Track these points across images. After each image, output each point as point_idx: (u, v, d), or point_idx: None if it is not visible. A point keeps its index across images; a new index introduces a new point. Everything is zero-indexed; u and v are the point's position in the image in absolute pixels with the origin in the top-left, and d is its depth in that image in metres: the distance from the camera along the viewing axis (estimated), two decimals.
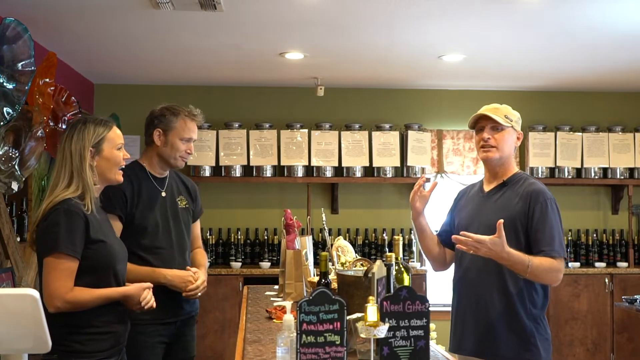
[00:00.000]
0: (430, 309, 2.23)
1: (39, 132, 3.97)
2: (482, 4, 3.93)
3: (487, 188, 2.91)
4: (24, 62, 3.60)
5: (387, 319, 2.14)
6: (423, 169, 6.25)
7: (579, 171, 6.36)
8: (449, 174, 6.39)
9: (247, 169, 6.20)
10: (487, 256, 2.60)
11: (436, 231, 3.06)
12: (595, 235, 6.42)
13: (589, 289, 6.09)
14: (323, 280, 2.49)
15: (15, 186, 3.83)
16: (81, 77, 5.93)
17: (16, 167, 3.80)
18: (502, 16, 4.16)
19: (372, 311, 2.06)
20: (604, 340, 6.06)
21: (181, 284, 3.07)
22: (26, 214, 4.38)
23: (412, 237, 6.28)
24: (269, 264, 6.09)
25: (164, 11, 3.97)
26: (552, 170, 6.34)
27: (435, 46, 4.92)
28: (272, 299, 3.55)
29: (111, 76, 6.09)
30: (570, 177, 6.34)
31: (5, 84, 3.47)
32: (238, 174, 6.16)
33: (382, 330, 2.07)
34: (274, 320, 2.99)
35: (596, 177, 6.38)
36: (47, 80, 4.04)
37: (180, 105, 3.23)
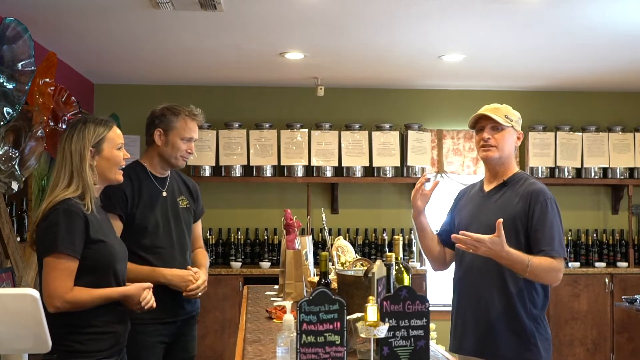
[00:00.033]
0: (430, 309, 2.23)
1: (39, 132, 3.97)
2: (482, 4, 3.93)
3: (487, 188, 2.91)
4: (24, 62, 3.60)
5: (387, 319, 2.14)
6: (423, 169, 6.26)
7: (579, 171, 6.36)
8: (449, 174, 6.39)
9: (247, 169, 6.20)
10: (487, 255, 2.60)
11: (436, 231, 3.05)
12: (595, 235, 6.42)
13: (589, 289, 6.09)
14: (323, 280, 2.49)
15: (15, 186, 3.83)
16: (81, 77, 5.93)
17: (16, 167, 3.80)
18: (502, 16, 4.16)
19: (372, 311, 2.06)
20: (604, 340, 6.06)
21: (181, 283, 3.07)
22: (26, 214, 4.38)
23: (412, 237, 6.28)
24: (269, 264, 6.09)
25: (164, 11, 3.97)
26: (552, 170, 6.35)
27: (435, 46, 4.92)
28: (272, 299, 3.55)
29: (111, 76, 6.09)
30: (570, 177, 6.34)
31: (5, 84, 3.47)
32: (238, 174, 6.16)
33: (382, 330, 2.07)
34: (274, 320, 3.00)
35: (596, 177, 6.38)
36: (47, 80, 4.04)
37: (181, 105, 3.23)
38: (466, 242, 2.60)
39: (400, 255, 2.69)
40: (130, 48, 5.02)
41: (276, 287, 3.86)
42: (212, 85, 6.38)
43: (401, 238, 2.89)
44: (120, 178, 2.61)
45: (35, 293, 2.23)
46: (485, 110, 2.87)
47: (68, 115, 4.52)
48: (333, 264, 3.16)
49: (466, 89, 6.50)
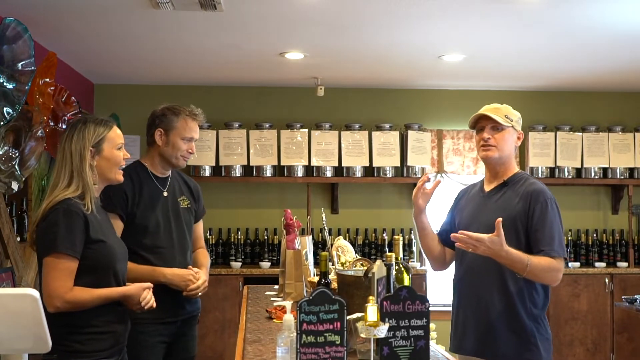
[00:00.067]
0: (430, 309, 2.23)
1: (39, 132, 3.97)
2: (482, 4, 3.93)
3: (487, 188, 2.91)
4: (24, 62, 3.60)
5: (387, 319, 2.14)
6: (423, 169, 6.26)
7: (579, 171, 6.36)
8: (449, 174, 6.39)
9: (247, 169, 6.20)
10: (486, 254, 2.61)
11: (436, 231, 3.05)
12: (595, 235, 6.42)
13: (589, 289, 6.09)
14: (323, 280, 2.49)
15: (15, 186, 3.83)
16: (81, 77, 5.93)
17: (16, 167, 3.80)
18: (502, 16, 4.16)
19: (372, 311, 2.06)
20: (604, 340, 6.06)
21: (181, 283, 3.07)
22: (26, 214, 4.38)
23: (412, 237, 6.28)
24: (269, 264, 6.09)
25: (164, 11, 3.97)
26: (552, 170, 6.35)
27: (435, 46, 4.92)
28: (272, 299, 3.55)
29: (111, 76, 6.09)
30: (570, 177, 6.34)
31: (5, 84, 3.47)
32: (238, 174, 6.17)
33: (382, 330, 2.07)
34: (274, 320, 3.00)
35: (596, 177, 6.38)
36: (47, 80, 4.04)
37: (181, 105, 3.23)
38: (465, 241, 2.60)
39: (400, 255, 2.69)
40: (130, 48, 5.02)
41: (276, 287, 3.86)
42: (212, 85, 6.38)
43: (401, 238, 2.89)
44: (121, 178, 2.62)
45: (35, 293, 2.23)
46: (486, 110, 2.87)
47: (68, 115, 4.52)
48: (333, 264, 3.16)
49: (466, 89, 6.50)
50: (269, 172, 6.18)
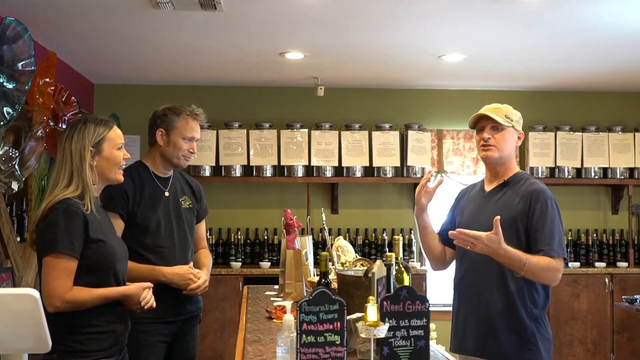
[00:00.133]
0: (430, 309, 2.23)
1: (39, 132, 3.97)
2: (482, 4, 3.93)
3: (488, 188, 2.91)
4: (24, 62, 3.60)
5: (387, 319, 2.14)
6: (423, 169, 6.25)
7: (579, 171, 6.36)
8: (449, 174, 6.39)
9: (247, 169, 6.20)
10: (484, 252, 2.61)
11: (437, 230, 3.05)
12: (595, 235, 6.42)
13: (589, 289, 6.09)
14: (323, 280, 2.49)
15: (15, 186, 3.83)
16: (81, 77, 5.93)
17: (16, 167, 3.80)
18: (502, 16, 4.16)
19: (372, 311, 2.06)
20: (604, 340, 6.06)
21: (181, 282, 3.08)
22: (26, 214, 4.38)
23: (412, 237, 6.28)
24: (269, 264, 6.09)
25: (164, 11, 3.97)
26: (552, 170, 6.35)
27: (435, 46, 4.92)
28: (272, 299, 3.55)
29: (111, 76, 6.09)
30: (570, 177, 6.34)
31: (5, 83, 3.47)
32: (238, 174, 6.17)
33: (382, 330, 2.07)
34: (274, 320, 2.99)
35: (596, 177, 6.38)
36: (47, 80, 4.04)
37: (183, 105, 3.24)
38: (463, 239, 2.60)
39: (400, 255, 2.69)
40: (130, 48, 5.02)
41: (276, 287, 3.86)
42: (212, 85, 6.38)
43: (401, 238, 2.88)
44: (121, 178, 2.62)
45: (35, 293, 2.23)
46: (486, 110, 2.87)
47: (68, 115, 4.52)
48: (333, 264, 3.16)
49: (466, 89, 6.50)
50: (269, 172, 6.18)
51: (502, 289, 2.74)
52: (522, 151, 6.33)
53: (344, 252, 3.30)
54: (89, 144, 2.50)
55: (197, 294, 3.14)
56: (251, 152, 6.15)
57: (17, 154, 3.80)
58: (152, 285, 2.60)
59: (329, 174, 6.21)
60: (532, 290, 2.74)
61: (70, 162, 2.49)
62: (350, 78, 6.07)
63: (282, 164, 6.17)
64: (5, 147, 3.73)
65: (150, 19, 4.20)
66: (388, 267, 2.45)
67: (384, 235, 6.30)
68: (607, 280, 6.09)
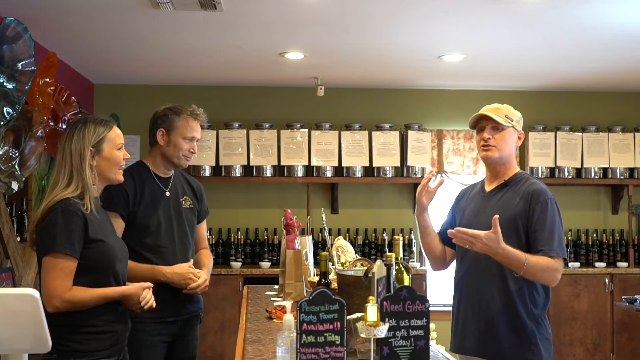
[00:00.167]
0: (430, 309, 2.23)
1: (39, 132, 3.97)
2: (482, 4, 3.93)
3: (488, 188, 2.91)
4: (24, 62, 3.60)
5: (387, 319, 2.14)
6: (423, 169, 6.25)
7: (579, 171, 6.36)
8: (449, 174, 6.39)
9: (247, 169, 6.20)
10: (483, 251, 2.60)
11: (437, 230, 3.05)
12: (595, 235, 6.42)
13: (589, 289, 6.09)
14: (323, 280, 2.49)
15: (15, 186, 3.83)
16: (81, 77, 5.93)
17: (16, 167, 3.80)
18: (502, 16, 4.16)
19: (372, 311, 2.06)
20: (604, 340, 6.06)
21: (181, 281, 3.08)
22: (26, 214, 4.38)
23: (412, 237, 6.28)
24: (269, 264, 6.09)
25: (164, 11, 3.97)
26: (552, 170, 6.35)
27: (435, 46, 4.92)
28: (272, 298, 3.55)
29: (111, 76, 6.09)
30: (570, 177, 6.34)
31: (5, 83, 3.47)
32: (238, 174, 6.17)
33: (382, 330, 2.07)
34: (274, 320, 2.99)
35: (596, 177, 6.38)
36: (47, 80, 4.04)
37: (183, 105, 3.24)
38: (462, 238, 2.60)
39: (400, 255, 2.69)
40: (130, 48, 5.02)
41: (276, 287, 3.86)
42: (212, 85, 6.38)
43: (401, 238, 2.88)
44: (121, 178, 2.62)
45: (35, 293, 2.23)
46: (486, 110, 2.86)
47: (68, 115, 4.52)
48: (333, 264, 3.16)
49: (466, 89, 6.50)
50: (269, 172, 6.18)
51: (502, 289, 2.74)
52: (522, 151, 6.33)
53: (344, 252, 3.30)
54: (89, 144, 2.50)
55: (197, 293, 3.14)
56: (251, 152, 6.15)
57: (17, 154, 3.80)
58: (152, 285, 2.60)
59: (329, 174, 6.21)
60: (532, 290, 2.74)
61: (70, 162, 2.49)
62: (350, 78, 6.07)
63: (282, 164, 6.17)
64: (5, 147, 3.73)
65: (150, 19, 4.20)
66: (388, 267, 2.45)
67: (384, 235, 6.30)
68: (607, 280, 6.09)
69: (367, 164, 6.23)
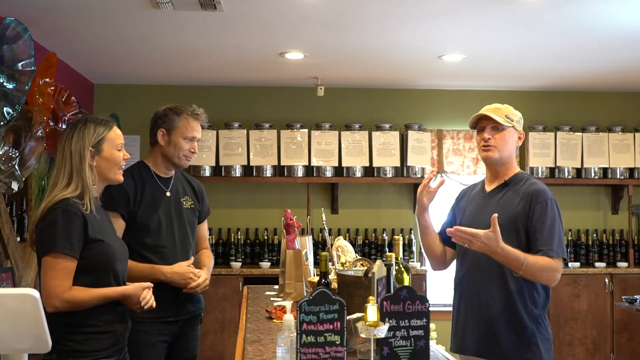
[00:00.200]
0: (430, 309, 2.22)
1: (39, 132, 3.97)
2: (482, 4, 3.93)
3: (488, 188, 2.91)
4: (24, 62, 3.60)
5: (387, 319, 2.14)
6: (423, 169, 6.25)
7: (579, 171, 6.37)
8: (449, 174, 6.39)
9: (247, 169, 6.20)
10: (482, 250, 2.60)
11: (437, 230, 3.05)
12: (595, 235, 6.42)
13: (589, 289, 6.09)
14: (323, 280, 2.49)
15: (15, 186, 3.83)
16: (81, 77, 5.93)
17: (16, 167, 3.80)
18: (502, 16, 4.16)
19: (372, 311, 2.06)
20: (604, 340, 6.06)
21: (181, 280, 3.08)
22: (26, 214, 4.38)
23: (412, 237, 6.28)
24: (269, 264, 6.09)
25: (164, 11, 3.97)
26: (552, 170, 6.35)
27: (435, 46, 4.92)
28: (272, 299, 3.55)
29: (111, 76, 6.09)
30: (570, 177, 6.34)
31: (5, 83, 3.47)
32: (238, 174, 6.17)
33: (382, 330, 2.06)
34: (274, 320, 2.99)
35: (596, 177, 6.38)
36: (47, 80, 4.04)
37: (183, 105, 3.24)
38: (460, 237, 2.60)
39: (400, 255, 2.69)
40: (130, 48, 5.02)
41: (276, 287, 3.86)
42: (212, 85, 6.38)
43: (401, 238, 2.88)
44: (121, 178, 2.62)
45: (35, 293, 2.23)
46: (486, 110, 2.86)
47: (68, 115, 4.52)
48: (333, 264, 3.16)
49: (466, 89, 6.50)
50: (269, 172, 6.18)
51: (502, 289, 2.74)
52: (522, 151, 6.32)
53: (344, 252, 3.30)
54: (89, 144, 2.50)
55: (197, 292, 3.14)
56: (251, 152, 6.15)
57: (17, 154, 3.80)
58: (152, 285, 2.60)
59: (329, 174, 6.21)
60: (532, 290, 2.74)
61: (70, 162, 2.49)
62: (350, 78, 6.07)
63: (282, 164, 6.17)
64: (5, 147, 3.73)
65: (150, 19, 4.20)
66: (388, 267, 2.45)
67: (384, 235, 6.30)
68: (607, 280, 6.09)
69: (367, 164, 6.23)
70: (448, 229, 2.63)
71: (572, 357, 6.04)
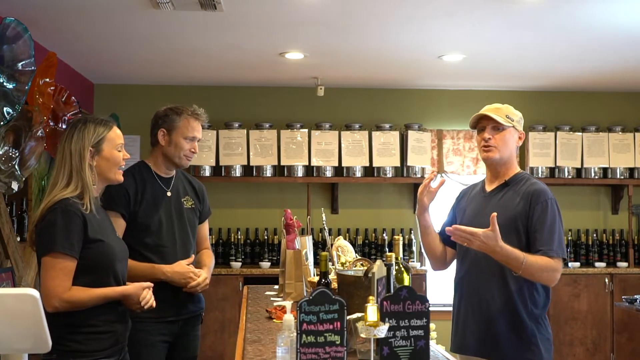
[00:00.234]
0: (430, 309, 2.22)
1: (39, 132, 3.97)
2: (482, 4, 3.93)
3: (488, 188, 2.91)
4: (24, 62, 3.60)
5: (387, 319, 2.14)
6: (423, 169, 6.25)
7: (579, 171, 6.37)
8: (449, 174, 6.39)
9: (247, 169, 6.20)
10: (481, 250, 2.60)
11: (438, 230, 3.05)
12: (595, 235, 6.42)
13: (589, 289, 6.09)
14: (323, 280, 2.49)
15: (15, 186, 3.83)
16: (81, 77, 5.93)
17: (16, 167, 3.80)
18: (502, 16, 4.16)
19: (372, 311, 2.06)
20: (604, 340, 6.06)
21: (181, 280, 3.08)
22: (26, 214, 4.38)
23: (412, 237, 6.28)
24: (269, 263, 6.09)
25: (164, 11, 3.97)
26: (552, 170, 6.35)
27: (435, 46, 4.92)
28: (272, 298, 3.55)
29: (111, 76, 6.09)
30: (570, 177, 6.34)
31: (5, 83, 3.47)
32: (238, 174, 6.17)
33: (382, 330, 2.06)
34: (274, 320, 2.99)
35: (596, 177, 6.38)
36: (47, 80, 4.04)
37: (184, 105, 3.25)
38: (460, 235, 2.60)
39: (400, 255, 2.69)
40: (130, 48, 5.02)
41: (276, 287, 3.86)
42: (212, 85, 6.38)
43: (401, 238, 2.88)
44: (121, 178, 2.62)
45: (36, 293, 2.23)
46: (486, 110, 2.86)
47: (68, 115, 4.52)
48: (333, 264, 3.16)
49: (466, 89, 6.50)
50: (269, 172, 6.18)
51: (502, 289, 2.74)
52: (522, 151, 6.32)
53: (344, 252, 3.30)
54: (89, 144, 2.50)
55: (198, 291, 3.14)
56: (251, 152, 6.15)
57: (17, 154, 3.80)
58: (152, 285, 2.60)
59: (329, 174, 6.21)
60: (532, 290, 2.74)
61: (70, 162, 2.49)
62: (350, 78, 6.07)
63: (282, 164, 6.17)
64: (5, 147, 3.73)
65: (150, 19, 4.20)
66: (388, 267, 2.45)
67: (384, 235, 6.30)
68: (607, 280, 6.09)
69: (367, 164, 6.23)
70: (447, 228, 2.63)
71: (572, 357, 6.04)
